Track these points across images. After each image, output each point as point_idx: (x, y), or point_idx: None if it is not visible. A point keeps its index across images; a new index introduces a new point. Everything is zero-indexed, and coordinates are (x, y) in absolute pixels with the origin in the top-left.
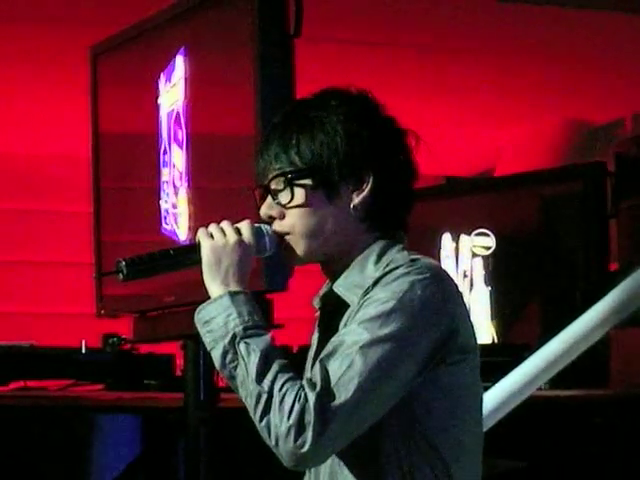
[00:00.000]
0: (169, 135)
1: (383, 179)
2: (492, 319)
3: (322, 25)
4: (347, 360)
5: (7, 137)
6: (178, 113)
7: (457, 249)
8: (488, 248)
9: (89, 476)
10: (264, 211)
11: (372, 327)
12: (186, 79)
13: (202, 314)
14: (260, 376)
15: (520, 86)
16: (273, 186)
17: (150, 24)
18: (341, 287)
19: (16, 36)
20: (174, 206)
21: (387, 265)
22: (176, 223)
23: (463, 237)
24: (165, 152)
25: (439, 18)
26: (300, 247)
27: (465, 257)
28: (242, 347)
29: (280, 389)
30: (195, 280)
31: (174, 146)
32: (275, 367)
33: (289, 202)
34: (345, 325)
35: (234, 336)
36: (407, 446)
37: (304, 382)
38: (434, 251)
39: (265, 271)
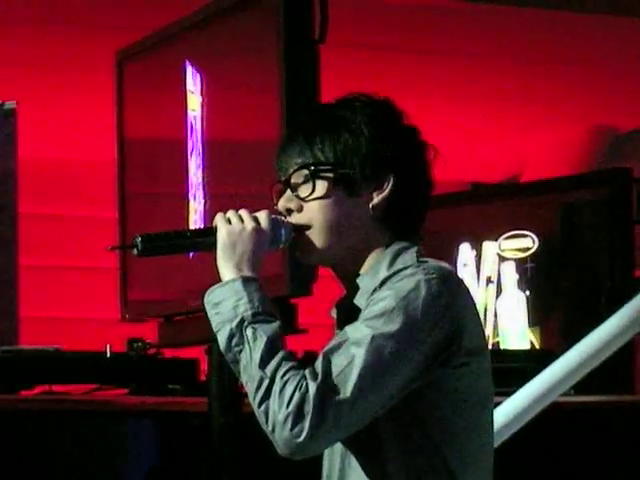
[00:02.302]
0: (202, 138)
1: (403, 182)
2: (530, 323)
3: (348, 31)
4: (348, 355)
5: (35, 142)
6: (204, 117)
7: (479, 256)
8: (526, 249)
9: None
10: (282, 204)
11: (375, 324)
12: (211, 84)
13: (212, 296)
14: (264, 362)
15: (547, 92)
16: (294, 180)
17: (175, 29)
18: (356, 294)
19: (43, 41)
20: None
21: (397, 268)
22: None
23: (487, 243)
24: (200, 154)
25: (466, 25)
26: (317, 241)
27: (489, 263)
28: (249, 332)
29: (283, 376)
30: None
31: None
32: (280, 354)
33: (309, 195)
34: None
35: (242, 320)
36: (412, 448)
37: (306, 372)
38: (452, 258)
39: (289, 276)
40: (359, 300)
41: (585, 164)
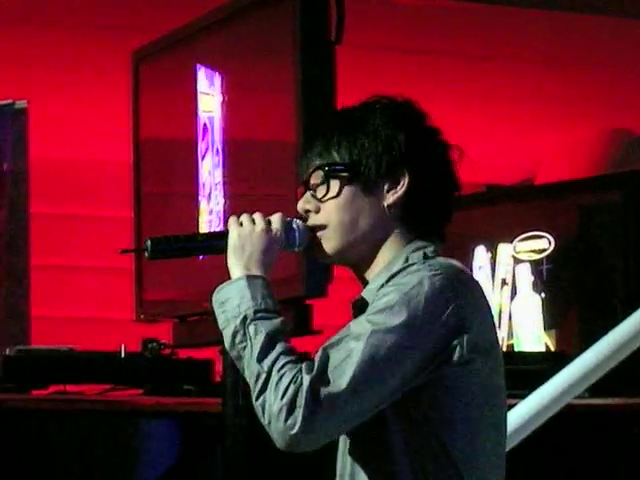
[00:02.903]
0: (222, 138)
1: (419, 183)
2: (545, 327)
3: (363, 32)
4: (346, 349)
5: (49, 142)
6: (220, 119)
7: (494, 258)
8: (542, 251)
9: None
10: (301, 205)
11: (376, 319)
12: (229, 85)
13: (219, 295)
14: (262, 356)
15: (563, 94)
16: (312, 181)
17: (191, 30)
18: (369, 292)
19: (55, 40)
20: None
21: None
22: (220, 225)
23: (502, 245)
24: (218, 153)
25: (481, 27)
26: (333, 241)
27: (504, 265)
28: (251, 328)
29: (279, 370)
30: None
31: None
32: (278, 349)
33: (324, 195)
34: None
35: (245, 317)
36: (418, 447)
37: (303, 365)
38: (468, 260)
39: (304, 277)
40: (369, 295)
41: (600, 167)
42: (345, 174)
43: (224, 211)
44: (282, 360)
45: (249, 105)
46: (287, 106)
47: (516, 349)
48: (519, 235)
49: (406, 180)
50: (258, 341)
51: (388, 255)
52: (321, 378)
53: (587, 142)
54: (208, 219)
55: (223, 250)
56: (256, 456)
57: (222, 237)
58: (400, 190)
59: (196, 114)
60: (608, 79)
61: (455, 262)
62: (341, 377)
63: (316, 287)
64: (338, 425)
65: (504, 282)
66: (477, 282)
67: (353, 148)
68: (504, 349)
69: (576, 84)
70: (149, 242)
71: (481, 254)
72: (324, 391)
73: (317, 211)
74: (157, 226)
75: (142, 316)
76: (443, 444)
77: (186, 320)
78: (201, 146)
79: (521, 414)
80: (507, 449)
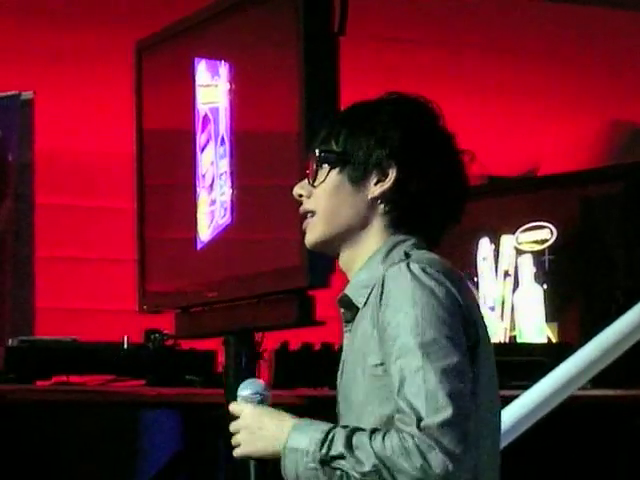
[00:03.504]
0: (228, 127)
1: (408, 178)
2: (547, 318)
3: (366, 23)
4: (418, 378)
5: (55, 133)
6: (226, 108)
7: (497, 249)
8: (544, 241)
9: (130, 471)
10: (295, 190)
11: (414, 345)
12: (233, 74)
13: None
14: (361, 462)
15: (565, 86)
16: (310, 167)
17: (195, 21)
18: (352, 288)
19: (60, 31)
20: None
21: (389, 262)
22: (226, 215)
23: (505, 237)
24: (223, 143)
25: (484, 19)
26: (318, 226)
27: (507, 256)
28: (336, 473)
29: (384, 449)
30: (237, 276)
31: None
32: (362, 441)
33: (315, 181)
34: (360, 326)
35: (322, 462)
36: None
37: (396, 424)
38: (472, 252)
39: (307, 268)
40: (352, 293)
41: (603, 158)
42: (335, 162)
43: (231, 201)
44: (376, 441)
45: (255, 95)
46: (290, 96)
47: (518, 340)
48: (522, 226)
49: (393, 175)
50: (347, 463)
51: (369, 248)
52: (421, 415)
53: (590, 134)
54: (209, 210)
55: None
56: None
57: (261, 462)
58: (387, 184)
59: (194, 107)
60: (611, 71)
61: (435, 256)
62: (437, 406)
63: (319, 278)
64: (472, 436)
65: (507, 273)
66: (460, 276)
67: (348, 139)
68: (507, 340)
69: (579, 76)
70: None
71: (485, 246)
72: (436, 425)
73: (309, 196)
74: (159, 218)
75: (145, 307)
76: None
77: (189, 311)
78: (200, 138)
79: (524, 405)
80: (510, 440)
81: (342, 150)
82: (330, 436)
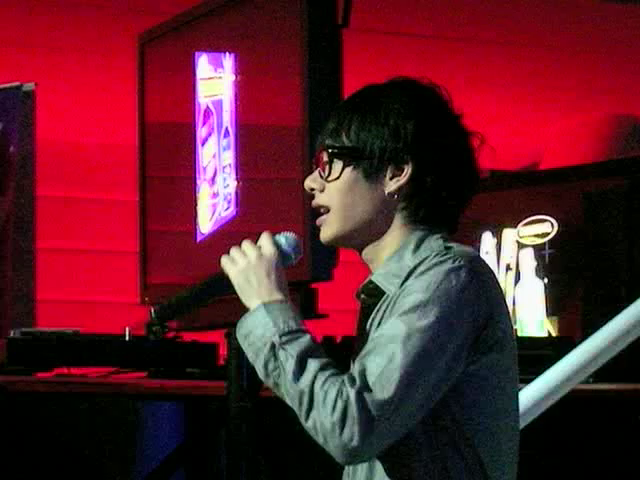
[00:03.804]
0: (233, 119)
1: (423, 173)
2: (547, 312)
3: (370, 15)
4: (387, 355)
5: (56, 125)
6: (231, 99)
7: (499, 243)
8: (545, 235)
9: (130, 463)
10: (307, 182)
11: (409, 320)
12: (235, 68)
13: (242, 329)
14: (299, 378)
15: (567, 80)
16: (321, 159)
17: (198, 12)
18: (380, 277)
19: (62, 23)
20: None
21: (423, 254)
22: (230, 208)
23: (507, 230)
24: (227, 135)
25: (486, 11)
26: (334, 222)
27: (508, 250)
28: (281, 354)
29: (322, 386)
30: None
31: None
32: (313, 366)
33: (328, 176)
34: (384, 316)
35: (272, 345)
36: (439, 435)
37: (345, 378)
38: (475, 245)
39: (310, 261)
40: (382, 282)
41: (604, 152)
42: (350, 158)
43: (236, 193)
44: (321, 377)
45: (259, 87)
46: (293, 89)
47: (519, 334)
48: (523, 220)
49: (410, 169)
50: (291, 364)
51: (393, 241)
52: (367, 387)
53: (591, 128)
54: (211, 202)
55: (229, 290)
56: (259, 439)
57: (222, 279)
58: (403, 179)
59: (195, 100)
60: (613, 65)
61: (471, 249)
62: (387, 383)
63: (322, 271)
64: (393, 430)
65: (508, 267)
66: (490, 267)
67: (361, 132)
68: None
69: (581, 70)
70: (154, 314)
71: (488, 239)
72: (373, 399)
73: (322, 190)
74: (161, 210)
75: (146, 299)
76: (464, 431)
77: None
78: (201, 132)
79: (526, 399)
80: None
81: (355, 145)
82: (296, 335)
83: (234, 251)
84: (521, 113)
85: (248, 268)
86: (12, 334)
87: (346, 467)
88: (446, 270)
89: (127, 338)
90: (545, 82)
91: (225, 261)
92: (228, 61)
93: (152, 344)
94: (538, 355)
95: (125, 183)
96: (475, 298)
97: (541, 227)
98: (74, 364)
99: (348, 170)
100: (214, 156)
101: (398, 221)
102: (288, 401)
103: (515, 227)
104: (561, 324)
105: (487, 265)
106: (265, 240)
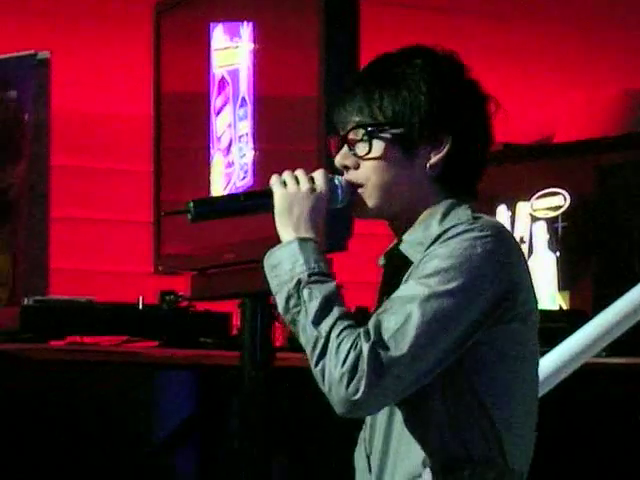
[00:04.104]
0: (251, 88)
1: (461, 142)
2: (559, 286)
3: None
4: (404, 314)
5: (71, 94)
6: (248, 69)
7: (513, 217)
8: (557, 208)
9: (143, 432)
10: (339, 160)
11: (431, 282)
12: (254, 36)
13: (271, 259)
14: (319, 321)
15: (581, 53)
16: (351, 136)
17: None
18: (405, 244)
19: None
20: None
21: (450, 223)
22: (247, 177)
23: (520, 204)
24: (243, 104)
25: None
26: (371, 200)
27: (522, 223)
28: (305, 292)
29: (338, 335)
30: (255, 238)
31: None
32: (335, 313)
33: (366, 154)
34: (406, 281)
35: (299, 281)
36: (456, 401)
37: (361, 331)
38: None
39: (325, 231)
40: (408, 250)
41: (617, 126)
42: (388, 134)
43: (253, 162)
44: (340, 325)
45: (276, 56)
46: (310, 60)
47: None
48: (536, 193)
49: (449, 139)
50: (314, 305)
51: (423, 211)
52: (381, 343)
53: (605, 102)
54: (225, 172)
55: (268, 210)
56: (272, 409)
57: (266, 196)
58: (443, 150)
59: (209, 70)
60: (628, 39)
61: (498, 220)
62: (402, 341)
63: (337, 241)
64: (400, 389)
65: (522, 240)
66: (515, 239)
67: (395, 105)
68: None
69: (595, 43)
70: (192, 204)
71: (502, 213)
72: (386, 356)
73: (356, 167)
74: (175, 180)
75: (160, 268)
76: (482, 401)
77: (204, 273)
78: (215, 102)
79: (539, 371)
80: None
81: (391, 120)
82: (324, 279)
83: (287, 174)
84: (535, 87)
85: (295, 195)
86: (25, 302)
87: (362, 433)
88: (472, 238)
89: (140, 307)
90: (559, 55)
91: (275, 181)
92: (246, 30)
93: (165, 313)
94: (552, 328)
95: (139, 153)
96: (499, 267)
97: (554, 200)
98: (87, 333)
99: (384, 145)
100: (229, 126)
101: (429, 193)
102: (301, 339)
103: (528, 200)
104: (572, 298)
105: (513, 237)
106: (320, 176)
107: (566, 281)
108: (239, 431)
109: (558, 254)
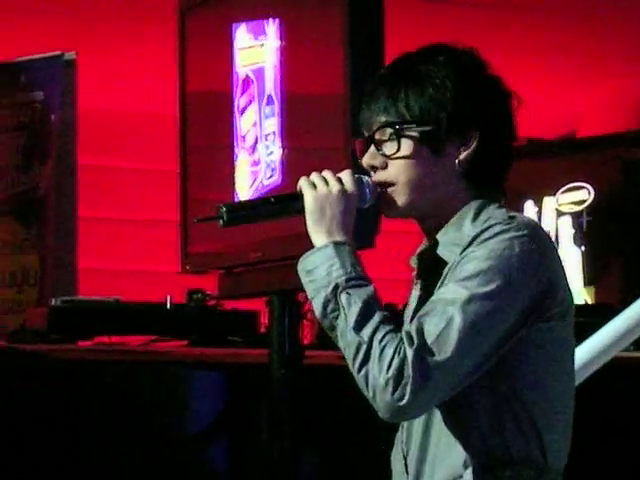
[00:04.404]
0: (277, 86)
1: (488, 137)
2: (584, 281)
3: None
4: (445, 317)
5: (96, 94)
6: (274, 67)
7: (540, 212)
8: (582, 202)
9: (171, 431)
10: (367, 160)
11: (471, 285)
12: (280, 33)
13: (305, 263)
14: (360, 326)
15: (605, 47)
16: (378, 136)
17: None
18: (440, 245)
19: None
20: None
21: (485, 222)
22: (274, 176)
23: (547, 199)
24: (270, 102)
25: None
26: (401, 199)
27: (548, 218)
28: (343, 297)
29: (380, 341)
30: (282, 236)
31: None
32: (376, 318)
33: (394, 153)
34: (443, 283)
35: (336, 286)
36: (497, 400)
37: (403, 335)
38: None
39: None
40: (442, 251)
41: None
42: (415, 133)
43: (281, 161)
44: (382, 330)
45: (302, 54)
46: (336, 57)
47: None
48: (562, 187)
49: (477, 135)
50: (354, 311)
51: (453, 210)
52: (425, 348)
53: (629, 96)
54: (251, 170)
55: (299, 213)
56: (301, 407)
57: (296, 199)
58: (471, 146)
59: (232, 70)
60: None
61: (531, 218)
62: (445, 345)
63: (365, 239)
64: (444, 393)
65: None
66: (550, 237)
67: (422, 103)
68: None
69: (619, 38)
70: (224, 209)
71: (529, 208)
72: (431, 361)
73: (384, 167)
74: (201, 179)
75: (188, 267)
76: (522, 398)
77: (232, 271)
78: (239, 101)
79: None
80: None
81: (419, 119)
82: (362, 283)
83: (315, 175)
84: (559, 81)
85: (327, 198)
86: (53, 302)
87: (398, 435)
88: (510, 238)
89: (168, 306)
90: (583, 49)
91: (304, 183)
92: (271, 27)
93: (193, 312)
94: (580, 323)
95: (165, 152)
96: (537, 267)
97: (578, 194)
98: (115, 332)
99: (413, 144)
100: (254, 124)
101: (458, 190)
102: (341, 344)
103: (554, 195)
104: (598, 293)
105: (548, 235)
106: (347, 177)
107: (592, 276)
108: (268, 429)
109: (583, 249)
